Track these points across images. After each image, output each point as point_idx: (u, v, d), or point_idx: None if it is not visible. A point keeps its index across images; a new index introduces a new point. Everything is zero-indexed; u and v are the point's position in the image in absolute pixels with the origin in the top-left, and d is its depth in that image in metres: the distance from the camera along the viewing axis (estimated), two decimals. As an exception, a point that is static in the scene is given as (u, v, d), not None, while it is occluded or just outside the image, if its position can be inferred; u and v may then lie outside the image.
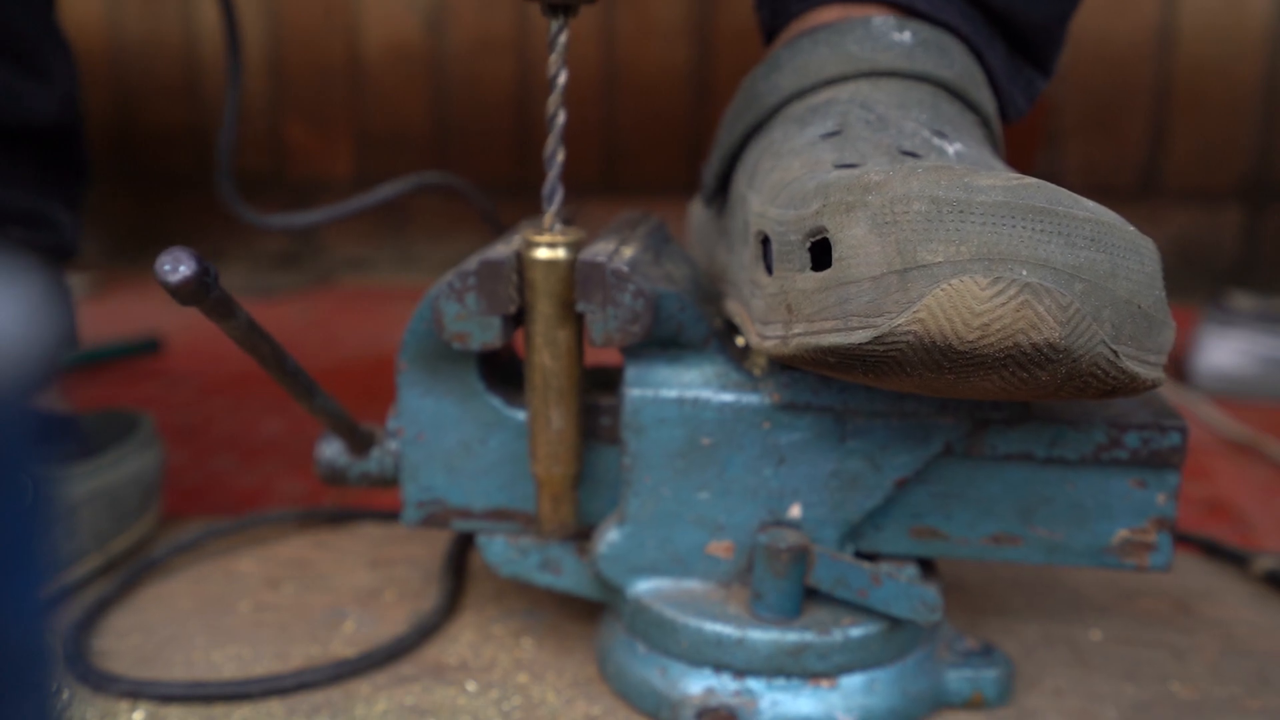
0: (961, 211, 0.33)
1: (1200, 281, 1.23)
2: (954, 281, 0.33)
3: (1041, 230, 0.33)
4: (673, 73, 1.30)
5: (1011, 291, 0.32)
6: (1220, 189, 1.23)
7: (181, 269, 0.34)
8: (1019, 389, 0.35)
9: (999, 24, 0.50)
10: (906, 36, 0.47)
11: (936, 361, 0.34)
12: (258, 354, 0.41)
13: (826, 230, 0.36)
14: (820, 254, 0.37)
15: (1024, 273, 0.32)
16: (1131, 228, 0.35)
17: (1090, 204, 0.34)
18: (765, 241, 0.41)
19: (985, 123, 0.48)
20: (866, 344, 0.34)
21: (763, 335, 0.39)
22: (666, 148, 1.32)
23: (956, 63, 0.48)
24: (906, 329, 0.33)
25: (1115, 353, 0.33)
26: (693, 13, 1.29)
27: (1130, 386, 0.35)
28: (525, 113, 1.35)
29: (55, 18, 0.60)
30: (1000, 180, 0.34)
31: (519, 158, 1.36)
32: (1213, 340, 0.89)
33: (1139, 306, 0.34)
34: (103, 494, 0.57)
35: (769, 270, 0.40)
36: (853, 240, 0.35)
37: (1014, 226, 0.33)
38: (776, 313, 0.38)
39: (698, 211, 0.60)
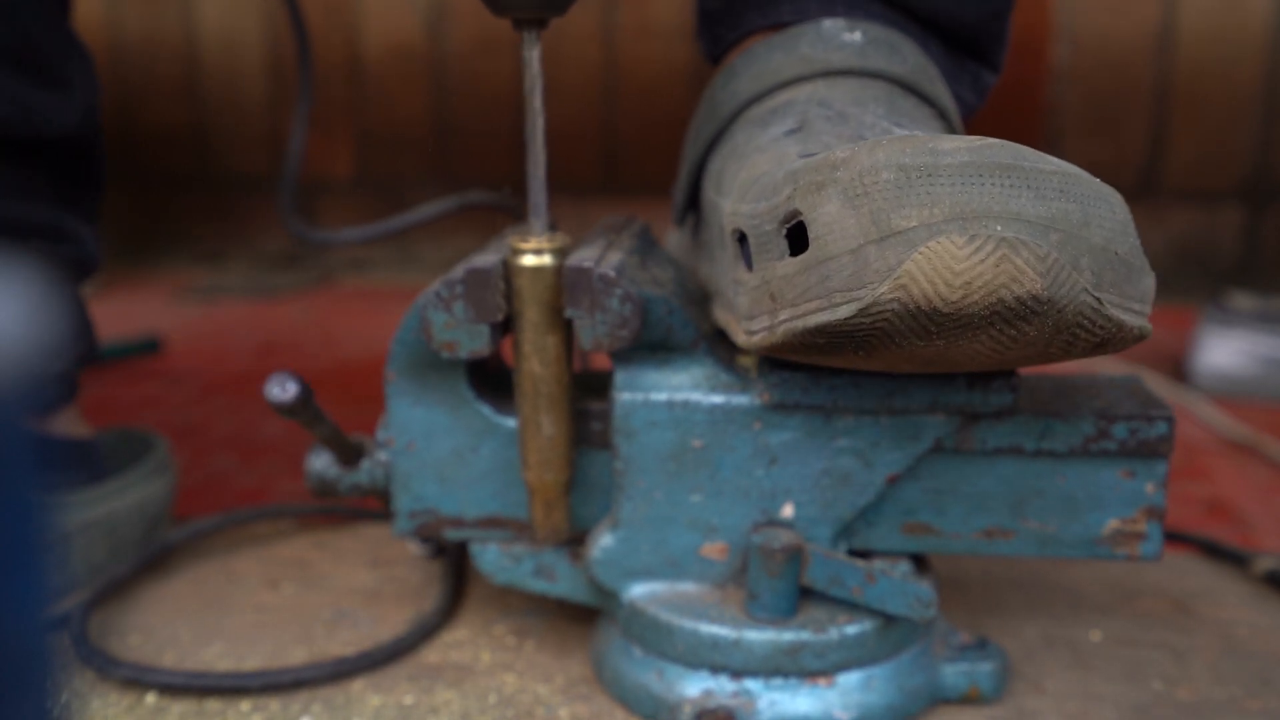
0: (930, 175, 0.33)
1: (1200, 281, 1.23)
2: (931, 244, 0.33)
3: (1010, 185, 0.33)
4: (673, 73, 1.30)
5: (989, 248, 0.32)
6: (1220, 189, 1.22)
7: (287, 390, 0.43)
8: (1009, 348, 0.35)
9: (930, 26, 0.51)
10: (857, 36, 0.48)
11: (924, 327, 0.34)
12: (337, 447, 0.47)
13: (800, 213, 0.36)
14: (797, 238, 0.37)
15: (999, 228, 0.33)
16: (1097, 180, 0.35)
17: (1054, 159, 0.35)
18: (742, 239, 0.41)
19: (943, 115, 0.49)
20: (852, 318, 0.34)
21: (750, 331, 0.39)
22: (667, 148, 1.32)
23: (909, 59, 0.48)
24: (890, 297, 0.33)
25: (1099, 300, 0.34)
26: (693, 13, 1.29)
27: (1119, 336, 0.35)
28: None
29: (72, 26, 0.60)
30: (964, 142, 0.34)
31: (519, 157, 1.36)
32: (1213, 340, 0.89)
33: (1116, 253, 0.34)
34: (99, 524, 0.56)
35: (749, 266, 0.40)
36: (827, 218, 0.35)
37: (983, 184, 0.33)
38: (761, 304, 0.38)
39: (673, 236, 0.60)
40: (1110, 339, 0.35)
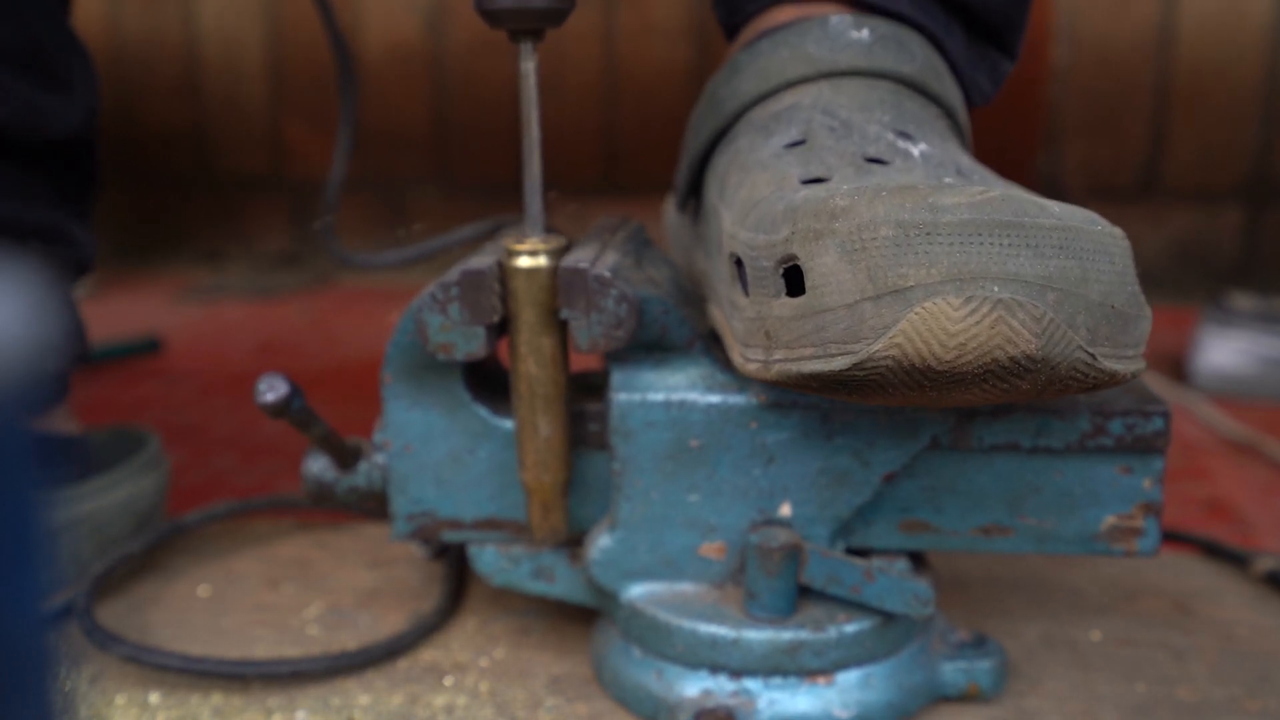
0: (929, 233, 0.34)
1: (1200, 281, 1.23)
2: (927, 304, 0.33)
3: (1009, 244, 0.33)
4: (673, 73, 1.30)
5: (985, 309, 0.33)
6: (1220, 189, 1.22)
7: (275, 391, 0.43)
8: (1001, 397, 0.35)
9: (955, 10, 0.50)
10: (864, 34, 0.47)
11: (917, 381, 0.34)
12: (333, 449, 0.47)
13: (797, 258, 0.36)
14: (793, 279, 0.37)
15: (995, 289, 0.33)
16: (1100, 225, 0.35)
17: (1057, 208, 0.35)
18: (739, 263, 0.41)
19: (950, 113, 0.48)
20: (846, 370, 0.35)
21: (745, 358, 0.40)
22: (667, 148, 1.32)
23: (917, 56, 0.48)
24: (884, 354, 0.34)
25: (1093, 355, 0.34)
26: (693, 13, 1.29)
27: (1111, 382, 0.35)
28: (525, 113, 1.35)
29: (72, 25, 0.60)
30: (964, 197, 0.34)
31: (519, 157, 1.36)
32: (1213, 340, 0.89)
33: (1113, 307, 0.34)
34: (85, 520, 0.55)
35: (745, 291, 0.40)
36: (824, 269, 0.35)
37: (982, 243, 0.33)
38: (756, 337, 0.38)
39: (673, 215, 0.60)
40: (1102, 385, 0.35)
